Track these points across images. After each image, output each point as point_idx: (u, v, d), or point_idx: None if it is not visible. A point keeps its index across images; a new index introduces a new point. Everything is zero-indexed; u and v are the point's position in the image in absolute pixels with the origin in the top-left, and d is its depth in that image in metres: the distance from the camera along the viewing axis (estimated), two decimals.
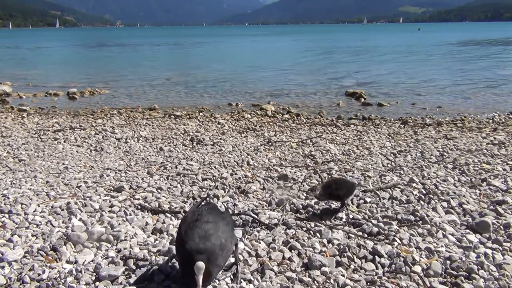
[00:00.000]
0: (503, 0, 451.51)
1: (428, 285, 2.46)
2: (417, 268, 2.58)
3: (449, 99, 10.59)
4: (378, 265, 2.67)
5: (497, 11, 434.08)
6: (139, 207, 3.61)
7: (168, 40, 58.78)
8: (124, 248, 2.85)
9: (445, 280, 2.51)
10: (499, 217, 3.31)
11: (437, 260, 2.67)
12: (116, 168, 4.82)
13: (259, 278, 2.51)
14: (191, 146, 5.95)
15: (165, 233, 3.12)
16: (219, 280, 2.46)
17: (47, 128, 7.13)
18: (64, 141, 6.17)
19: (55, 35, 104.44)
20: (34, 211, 3.40)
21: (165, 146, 5.94)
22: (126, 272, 2.55)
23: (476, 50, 30.36)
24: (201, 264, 2.07)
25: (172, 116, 8.43)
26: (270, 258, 2.72)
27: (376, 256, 2.74)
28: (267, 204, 3.71)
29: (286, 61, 23.28)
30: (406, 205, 3.60)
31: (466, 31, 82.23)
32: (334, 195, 3.37)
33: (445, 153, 5.29)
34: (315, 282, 2.48)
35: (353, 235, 3.06)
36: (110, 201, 3.68)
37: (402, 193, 3.88)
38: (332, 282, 2.47)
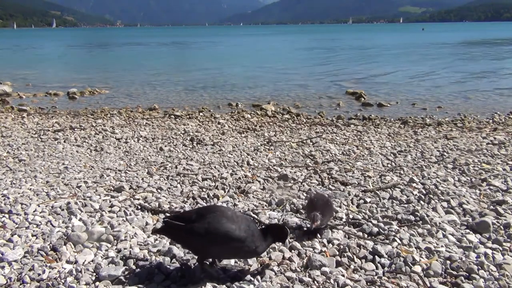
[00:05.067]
0: (503, 0, 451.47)
1: (428, 285, 2.46)
2: (417, 268, 2.58)
3: (449, 99, 10.59)
4: (378, 265, 2.67)
5: (497, 11, 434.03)
6: (139, 207, 3.61)
7: (169, 40, 58.77)
8: (124, 248, 2.85)
9: (445, 280, 2.50)
10: (499, 217, 3.31)
11: (437, 260, 2.67)
12: (116, 168, 4.82)
13: (259, 278, 2.51)
14: (191, 146, 5.95)
15: None
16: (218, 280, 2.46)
17: (47, 128, 7.13)
18: (64, 141, 6.17)
19: (57, 35, 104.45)
20: (34, 211, 3.40)
21: (165, 146, 5.94)
22: (126, 272, 2.55)
23: (477, 50, 30.37)
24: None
25: (172, 116, 8.43)
26: (270, 258, 2.72)
27: (376, 256, 2.74)
28: (267, 204, 3.71)
29: (286, 61, 23.28)
30: (406, 205, 3.60)
31: (467, 31, 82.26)
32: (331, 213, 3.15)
33: (445, 153, 5.29)
34: (315, 282, 2.48)
35: (353, 235, 3.06)
36: (110, 201, 3.68)
37: (402, 193, 3.88)
38: (332, 282, 2.47)
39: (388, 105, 9.93)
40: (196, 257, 2.55)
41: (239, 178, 4.41)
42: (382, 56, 25.71)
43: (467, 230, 3.13)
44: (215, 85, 13.74)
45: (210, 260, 2.57)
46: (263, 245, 2.45)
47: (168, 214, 3.48)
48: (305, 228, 3.15)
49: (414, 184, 4.08)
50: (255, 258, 2.72)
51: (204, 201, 3.81)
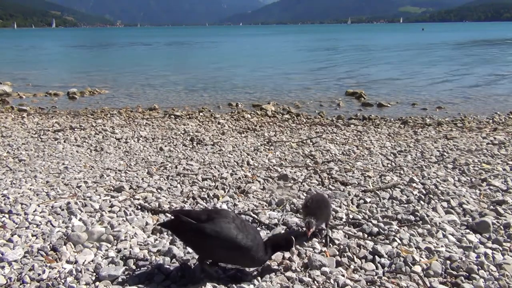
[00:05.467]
0: (503, 0, 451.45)
1: (428, 285, 2.46)
2: (417, 268, 2.58)
3: (449, 99, 10.59)
4: (378, 265, 2.67)
5: (497, 11, 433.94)
6: (139, 207, 3.61)
7: (169, 40, 58.76)
8: (124, 248, 2.85)
9: (445, 280, 2.51)
10: (499, 217, 3.31)
11: (437, 260, 2.67)
12: (116, 168, 4.82)
13: (259, 278, 2.51)
14: (191, 146, 5.95)
15: (165, 233, 3.12)
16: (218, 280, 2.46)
17: (47, 128, 7.13)
18: (64, 141, 6.17)
19: (57, 35, 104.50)
20: (34, 211, 3.40)
21: (165, 146, 5.94)
22: (126, 272, 2.55)
23: (477, 50, 30.37)
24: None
25: (172, 116, 8.43)
26: (270, 258, 2.72)
27: (376, 256, 2.74)
28: (267, 204, 3.71)
29: (286, 61, 23.29)
30: (406, 205, 3.60)
31: (467, 31, 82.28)
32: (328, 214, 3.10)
33: (445, 153, 5.29)
34: (315, 282, 2.48)
35: (353, 235, 3.06)
36: (110, 201, 3.68)
37: (402, 193, 3.88)
38: (332, 282, 2.47)
39: (388, 105, 9.93)
40: (197, 256, 2.55)
41: (239, 178, 4.41)
42: (382, 56, 25.71)
43: (467, 230, 3.13)
44: (215, 85, 13.75)
45: (210, 260, 2.57)
46: (266, 255, 2.48)
47: (168, 214, 3.48)
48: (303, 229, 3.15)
49: (414, 184, 4.07)
50: None
51: (204, 201, 3.81)
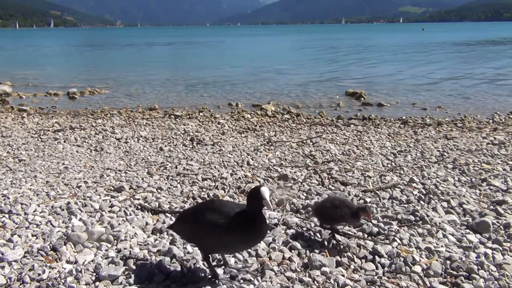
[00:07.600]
0: (503, 0, 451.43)
1: (428, 285, 2.46)
2: (417, 268, 2.58)
3: (449, 99, 10.60)
4: (378, 265, 2.67)
5: (497, 11, 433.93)
6: (139, 207, 3.61)
7: (169, 40, 58.75)
8: (124, 248, 2.85)
9: (445, 280, 2.51)
10: (499, 217, 3.31)
11: (437, 260, 2.67)
12: (116, 168, 4.82)
13: (259, 278, 2.51)
14: (191, 146, 5.95)
15: (165, 233, 3.12)
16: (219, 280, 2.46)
17: (47, 128, 7.13)
18: (64, 141, 6.17)
19: (57, 35, 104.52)
20: (34, 211, 3.40)
21: (165, 146, 5.94)
22: (126, 272, 2.55)
23: (477, 50, 30.37)
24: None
25: (172, 116, 8.43)
26: (270, 258, 2.72)
27: (376, 256, 2.74)
28: None
29: (285, 61, 23.29)
30: (406, 205, 3.60)
31: (467, 31, 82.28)
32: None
33: (445, 153, 5.29)
34: (315, 282, 2.48)
35: (353, 235, 3.06)
36: (110, 201, 3.68)
37: (402, 193, 3.88)
38: (332, 282, 2.47)
39: (388, 105, 9.93)
40: (201, 255, 2.54)
41: (239, 178, 4.41)
42: (382, 56, 25.71)
43: (467, 230, 3.13)
44: (215, 85, 13.75)
45: (211, 254, 2.55)
46: (246, 220, 2.26)
47: (168, 215, 3.48)
48: (302, 229, 3.15)
49: (414, 184, 4.07)
50: (255, 258, 2.72)
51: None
